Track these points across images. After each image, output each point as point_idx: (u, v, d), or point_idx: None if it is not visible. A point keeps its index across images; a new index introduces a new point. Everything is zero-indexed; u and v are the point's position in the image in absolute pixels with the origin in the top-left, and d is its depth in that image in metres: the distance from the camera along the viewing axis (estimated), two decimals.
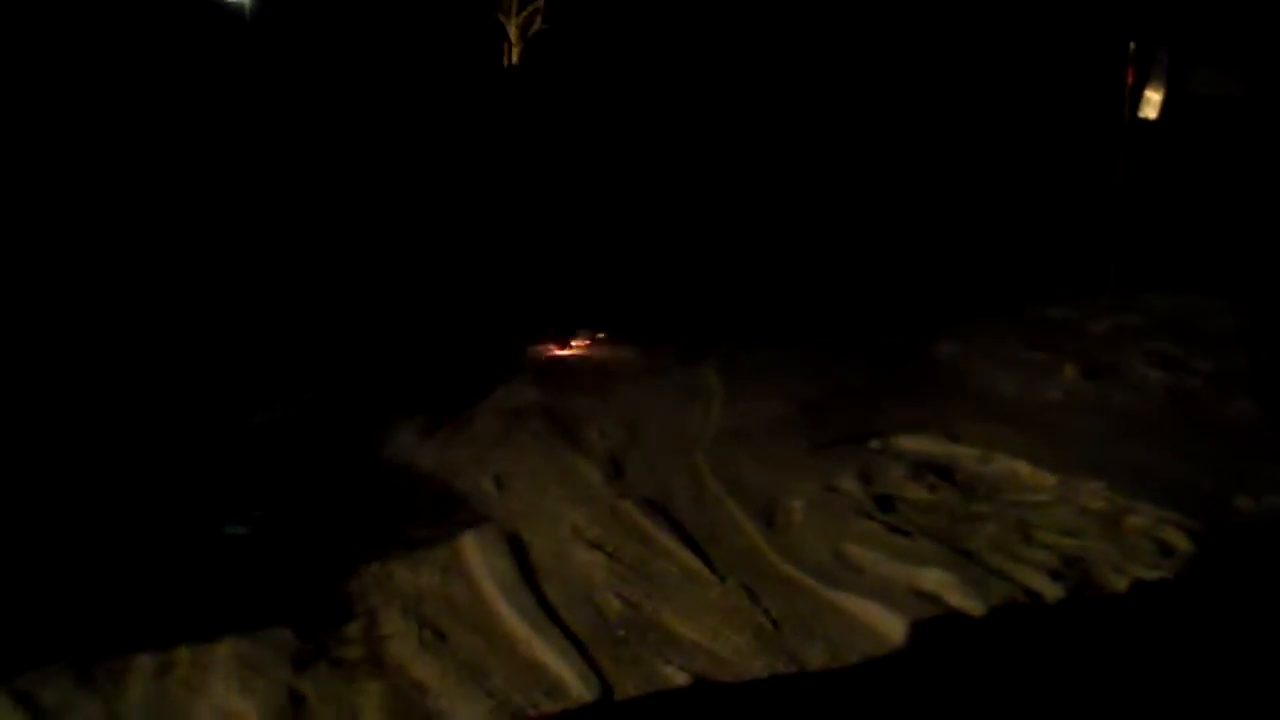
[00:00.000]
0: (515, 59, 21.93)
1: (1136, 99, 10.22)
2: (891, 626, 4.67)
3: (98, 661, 4.41)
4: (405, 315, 10.53)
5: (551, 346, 9.96)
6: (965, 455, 6.68)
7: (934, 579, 5.01)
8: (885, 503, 6.00)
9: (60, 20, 11.58)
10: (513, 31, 21.94)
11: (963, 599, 4.85)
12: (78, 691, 4.25)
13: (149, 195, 11.10)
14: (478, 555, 5.37)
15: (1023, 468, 6.42)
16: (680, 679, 4.32)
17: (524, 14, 21.92)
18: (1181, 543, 5.45)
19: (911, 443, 6.88)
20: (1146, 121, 10.22)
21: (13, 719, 4.09)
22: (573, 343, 10.06)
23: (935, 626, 4.66)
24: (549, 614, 4.82)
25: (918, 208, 14.14)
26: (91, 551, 5.51)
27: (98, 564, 5.36)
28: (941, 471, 6.43)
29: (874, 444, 6.92)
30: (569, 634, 4.64)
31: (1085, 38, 14.35)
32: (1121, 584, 5.04)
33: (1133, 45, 10.27)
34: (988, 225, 13.67)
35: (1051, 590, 4.97)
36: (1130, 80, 10.27)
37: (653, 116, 15.67)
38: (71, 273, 9.61)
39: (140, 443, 7.14)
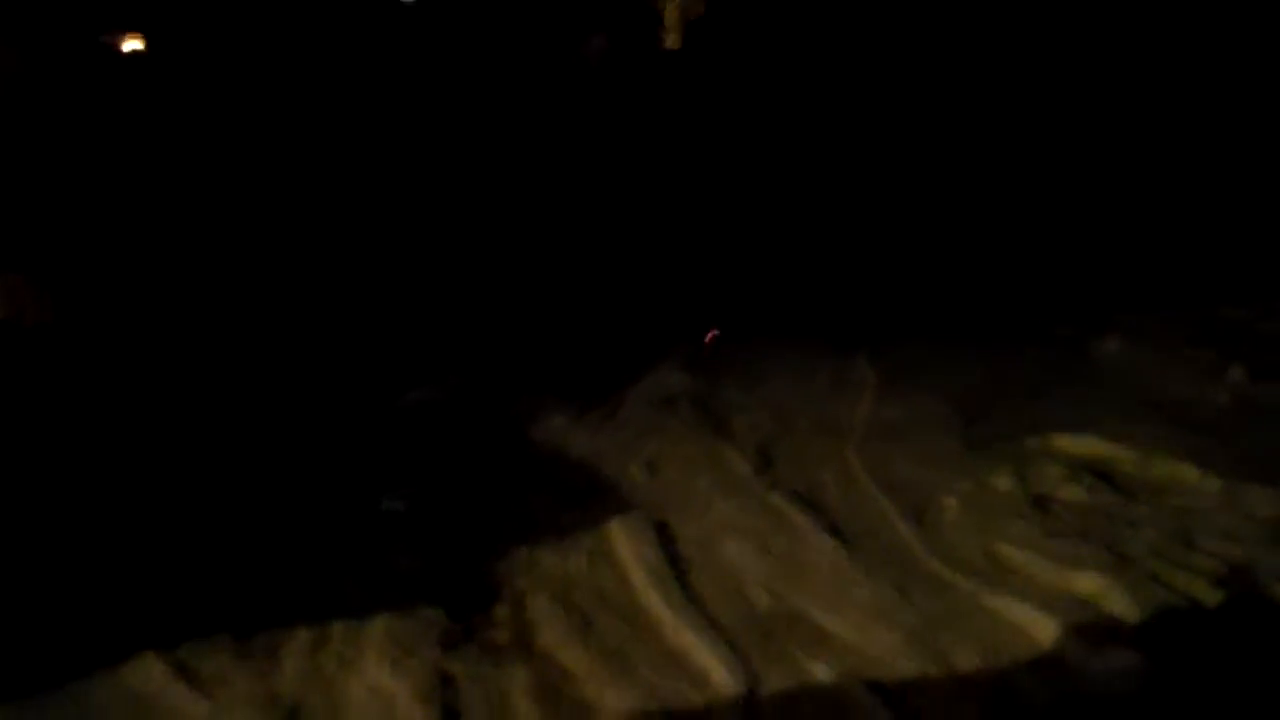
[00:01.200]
0: (674, 44, 21.94)
1: None
2: (1045, 630, 4.57)
3: (255, 635, 4.53)
4: (553, 301, 10.61)
5: (702, 335, 9.93)
6: (1126, 457, 6.48)
7: (1090, 583, 4.89)
8: (1041, 503, 5.86)
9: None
10: (670, 16, 21.95)
11: (1120, 604, 4.73)
12: (235, 663, 4.37)
13: (307, 185, 11.38)
14: (626, 543, 5.38)
15: (1187, 471, 6.21)
16: (827, 675, 4.29)
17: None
18: None
19: (1070, 442, 6.70)
20: None
21: (172, 689, 4.22)
22: (721, 332, 10.02)
23: (1090, 631, 4.55)
24: (696, 605, 4.82)
25: (1088, 195, 13.78)
26: (251, 526, 5.66)
27: (257, 538, 5.51)
28: (1101, 473, 6.25)
29: (1031, 442, 6.75)
30: (716, 625, 4.63)
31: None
32: None
33: None
34: (1160, 216, 13.29)
35: (1214, 598, 4.82)
36: None
37: (806, 102, 15.57)
38: (244, 265, 9.90)
39: (299, 422, 7.32)
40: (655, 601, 4.84)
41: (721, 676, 4.26)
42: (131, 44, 13.39)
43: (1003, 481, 6.10)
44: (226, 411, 7.39)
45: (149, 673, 4.28)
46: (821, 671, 4.30)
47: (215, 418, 7.25)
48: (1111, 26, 15.83)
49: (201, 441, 6.80)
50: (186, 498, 5.95)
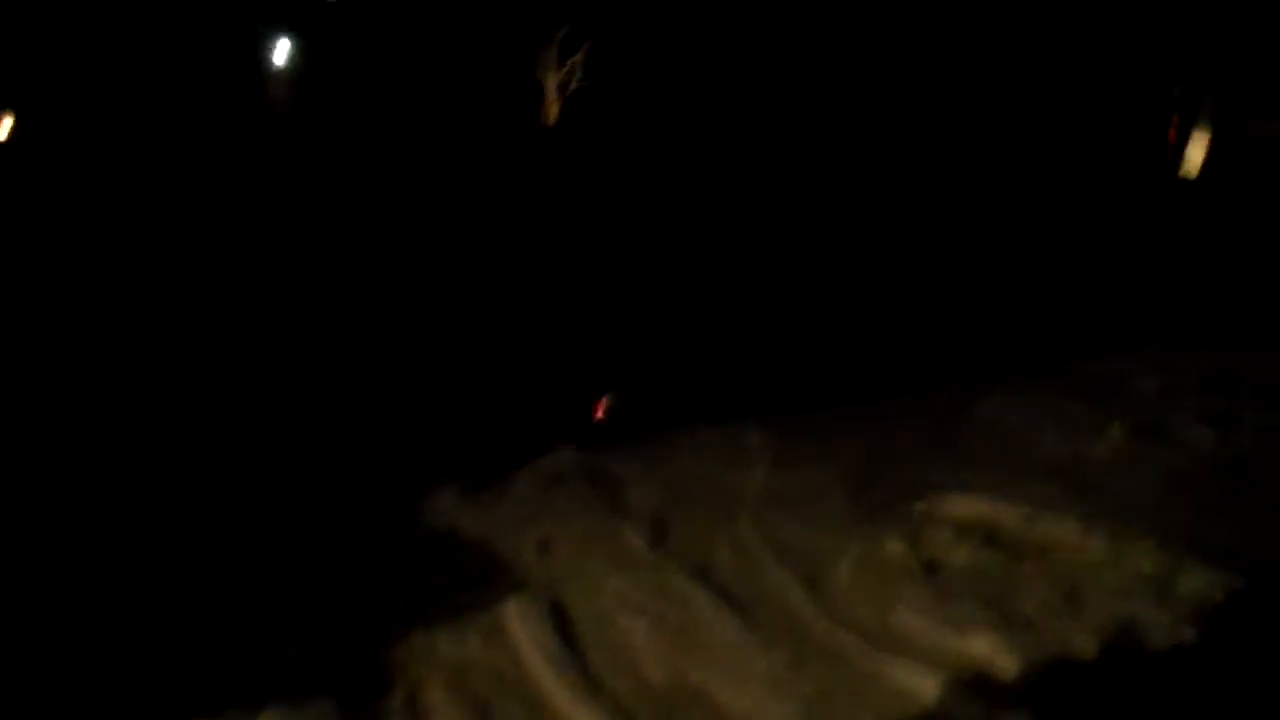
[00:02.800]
0: (553, 117, 22.09)
1: (1181, 153, 10.18)
2: (939, 694, 4.60)
3: None
4: (436, 376, 10.56)
5: (589, 407, 9.93)
6: (1012, 516, 6.55)
7: (984, 644, 4.93)
8: (932, 567, 5.92)
9: None
10: (551, 89, 22.11)
11: (1012, 665, 4.77)
12: None
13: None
14: (521, 623, 5.35)
15: (1071, 529, 6.29)
16: None
17: (562, 71, 22.10)
18: (1237, 606, 5.34)
19: (957, 504, 6.77)
20: (1189, 179, 10.17)
21: None
22: (609, 403, 10.02)
23: (984, 693, 4.59)
24: (594, 684, 4.78)
25: (960, 260, 14.06)
26: (139, 616, 5.53)
27: (141, 636, 5.38)
28: (988, 533, 6.32)
29: (919, 506, 6.81)
30: (615, 705, 4.60)
31: (1131, 90, 14.33)
32: (1173, 650, 4.95)
33: (1177, 92, 10.24)
34: (1031, 278, 13.60)
35: (1104, 655, 4.89)
36: (1174, 135, 10.22)
37: (688, 171, 15.75)
38: None
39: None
40: (553, 683, 4.80)
41: None
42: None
43: (893, 546, 6.15)
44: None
45: None
46: None
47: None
48: (982, 100, 16.28)
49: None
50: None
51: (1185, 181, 10.15)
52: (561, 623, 5.38)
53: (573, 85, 21.88)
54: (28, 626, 5.43)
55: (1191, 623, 5.14)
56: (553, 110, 22.01)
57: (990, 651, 4.87)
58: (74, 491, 7.18)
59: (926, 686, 4.65)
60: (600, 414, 9.74)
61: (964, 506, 6.74)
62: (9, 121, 12.57)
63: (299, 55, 17.19)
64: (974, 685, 4.64)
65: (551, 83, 21.93)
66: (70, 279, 9.88)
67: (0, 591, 5.79)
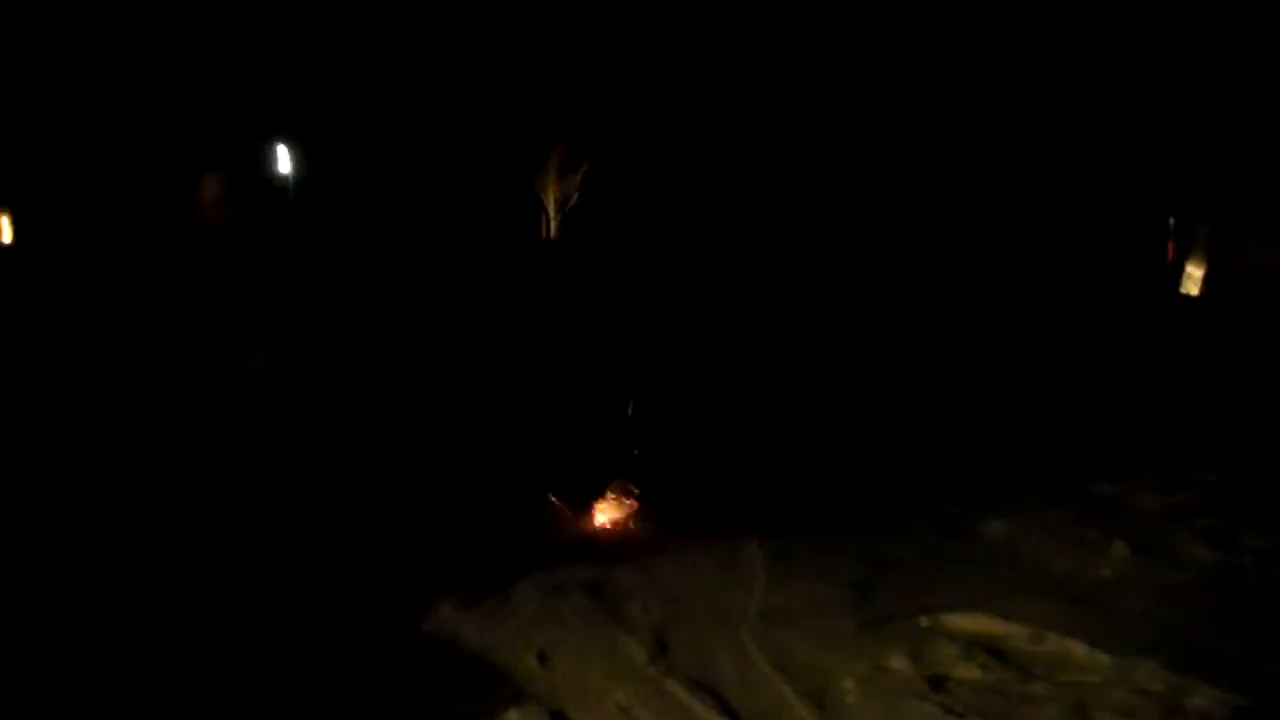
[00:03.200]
0: (553, 231, 22.38)
1: (1178, 274, 10.25)
2: None
3: None
4: (437, 484, 10.58)
5: (586, 519, 9.94)
6: (1017, 634, 6.54)
7: None
8: (937, 683, 5.87)
9: None
10: (550, 203, 22.42)
11: None
12: None
13: None
14: None
15: (1077, 648, 6.27)
16: None
17: (561, 186, 22.43)
18: None
19: (962, 621, 6.75)
20: (1189, 297, 10.22)
21: None
22: (607, 516, 10.03)
23: None
24: None
25: (962, 380, 14.16)
26: None
27: None
28: (994, 651, 6.29)
29: (924, 622, 6.79)
30: None
31: (1127, 212, 14.52)
32: None
33: (1173, 220, 10.34)
34: (1032, 399, 13.67)
35: None
36: (1171, 255, 10.31)
37: (687, 282, 15.95)
38: None
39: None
40: None
41: None
42: None
43: (898, 662, 6.11)
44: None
45: None
46: None
47: None
48: (978, 222, 16.50)
49: None
50: None
51: (1185, 299, 10.21)
52: None
53: (572, 201, 22.24)
54: None
55: None
56: (553, 224, 22.31)
57: None
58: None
59: None
60: (594, 524, 9.75)
61: (970, 623, 6.73)
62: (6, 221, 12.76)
63: (304, 164, 17.52)
64: None
65: (551, 198, 22.29)
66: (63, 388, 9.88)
67: None
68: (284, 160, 17.65)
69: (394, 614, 7.30)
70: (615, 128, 20.36)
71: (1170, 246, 10.39)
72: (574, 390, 12.39)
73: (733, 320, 14.80)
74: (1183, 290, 10.26)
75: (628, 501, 10.27)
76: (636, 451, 10.74)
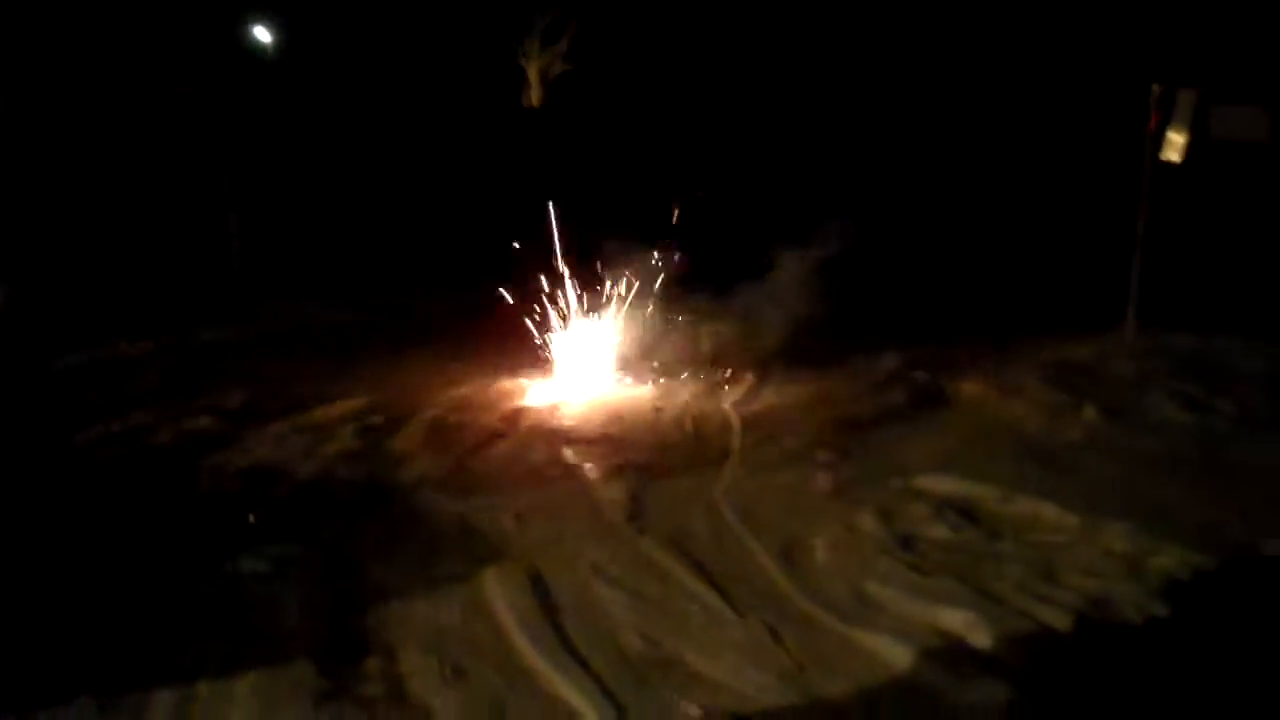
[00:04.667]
0: (535, 101, 22.20)
1: (1160, 141, 10.19)
2: (913, 664, 4.64)
3: (119, 696, 4.41)
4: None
5: (568, 383, 9.97)
6: (987, 495, 6.63)
7: (957, 618, 4.97)
8: (907, 542, 5.96)
9: None
10: (533, 75, 22.21)
11: (985, 638, 4.81)
12: None
13: None
14: (499, 592, 5.36)
15: (1046, 508, 6.37)
16: (700, 717, 4.30)
17: (544, 58, 22.22)
18: (1208, 586, 5.41)
19: (933, 482, 6.84)
20: (1170, 164, 10.17)
21: None
22: (582, 379, 10.07)
23: (957, 664, 4.63)
24: (570, 652, 4.80)
25: (937, 246, 14.16)
26: (110, 586, 5.51)
27: (117, 599, 5.37)
28: (964, 511, 6.38)
29: (895, 482, 6.88)
30: (590, 672, 4.62)
31: (1109, 79, 14.40)
32: (1145, 625, 5.00)
33: (1156, 87, 10.25)
34: (1009, 265, 13.69)
35: (1076, 630, 4.93)
36: (1154, 123, 10.24)
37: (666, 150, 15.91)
38: None
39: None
40: (529, 650, 4.81)
41: None
42: None
43: (868, 522, 6.20)
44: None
45: None
46: (695, 712, 4.31)
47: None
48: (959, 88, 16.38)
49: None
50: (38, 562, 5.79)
51: (1165, 166, 10.15)
52: (539, 592, 5.40)
53: (554, 71, 22.02)
54: None
55: (1163, 599, 5.20)
56: (535, 95, 22.12)
57: (964, 624, 4.92)
58: None
59: (900, 656, 4.69)
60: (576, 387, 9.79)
61: (940, 484, 6.82)
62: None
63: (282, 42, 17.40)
64: (947, 656, 4.68)
65: (533, 69, 22.06)
66: None
67: None
68: (263, 31, 17.51)
69: (372, 477, 7.35)
70: None
71: (1153, 113, 10.31)
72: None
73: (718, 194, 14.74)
74: (1163, 157, 10.21)
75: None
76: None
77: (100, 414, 8.58)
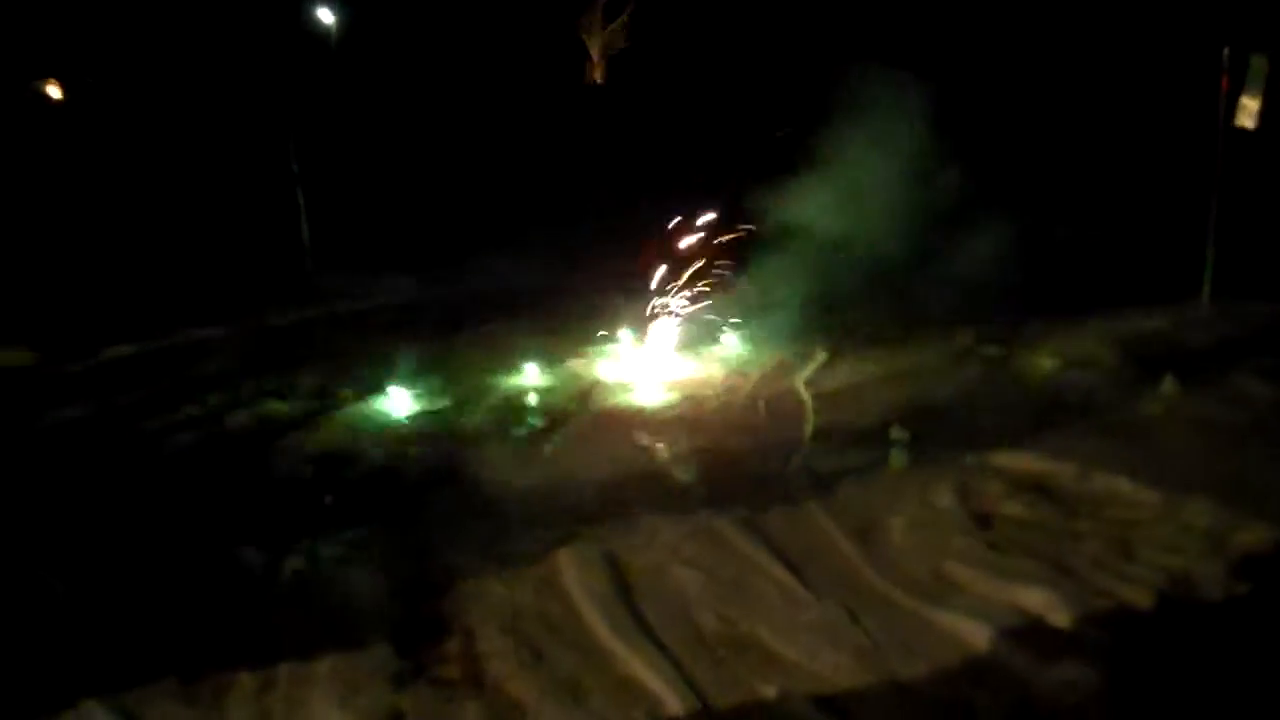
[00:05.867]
0: (598, 77, 22.16)
1: (1233, 106, 10.00)
2: (993, 644, 4.60)
3: (201, 678, 4.47)
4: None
5: (642, 362, 9.95)
6: (1064, 472, 6.55)
7: (1035, 597, 4.93)
8: (984, 520, 5.92)
9: None
10: (595, 51, 22.16)
11: (1065, 617, 4.77)
12: (181, 708, 4.31)
13: None
14: (574, 572, 5.37)
15: (1124, 484, 6.28)
16: (777, 697, 4.29)
17: (606, 32, 22.15)
18: None
19: (1009, 459, 6.77)
20: (1244, 130, 9.98)
21: None
22: (656, 357, 10.05)
23: (1037, 644, 4.58)
24: (646, 632, 4.80)
25: (1012, 216, 13.98)
26: (191, 572, 5.59)
27: (198, 583, 5.44)
28: (1041, 488, 6.32)
29: (970, 460, 6.82)
30: (666, 652, 4.62)
31: (1183, 44, 14.15)
32: (1226, 603, 4.93)
33: (1228, 51, 10.05)
34: (1082, 237, 13.51)
35: (1156, 608, 4.87)
36: (1226, 87, 10.04)
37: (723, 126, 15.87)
38: None
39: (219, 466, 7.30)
40: (605, 631, 4.82)
41: (674, 703, 4.25)
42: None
43: (945, 500, 6.15)
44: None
45: None
46: (771, 693, 4.30)
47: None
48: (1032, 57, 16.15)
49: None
50: (123, 545, 5.88)
51: (1239, 132, 9.96)
52: (615, 572, 5.40)
53: (618, 45, 21.97)
54: None
55: (1245, 576, 5.12)
56: (597, 71, 22.09)
57: (1042, 603, 4.87)
58: None
59: (978, 635, 4.66)
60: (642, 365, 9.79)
61: (1016, 461, 6.74)
62: None
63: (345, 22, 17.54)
64: (1026, 635, 4.63)
65: (595, 45, 22.03)
66: None
67: None
68: (326, 12, 17.62)
69: (453, 455, 7.41)
70: None
71: (1224, 79, 10.12)
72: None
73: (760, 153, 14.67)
74: (1237, 123, 10.01)
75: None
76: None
77: (173, 400, 8.68)
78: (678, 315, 10.36)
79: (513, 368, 9.50)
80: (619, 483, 6.81)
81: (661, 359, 9.96)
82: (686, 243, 10.58)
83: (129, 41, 15.81)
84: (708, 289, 10.59)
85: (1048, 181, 15.01)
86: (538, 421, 8.17)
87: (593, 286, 10.70)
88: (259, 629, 4.95)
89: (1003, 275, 11.36)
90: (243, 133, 15.63)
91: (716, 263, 10.67)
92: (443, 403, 8.59)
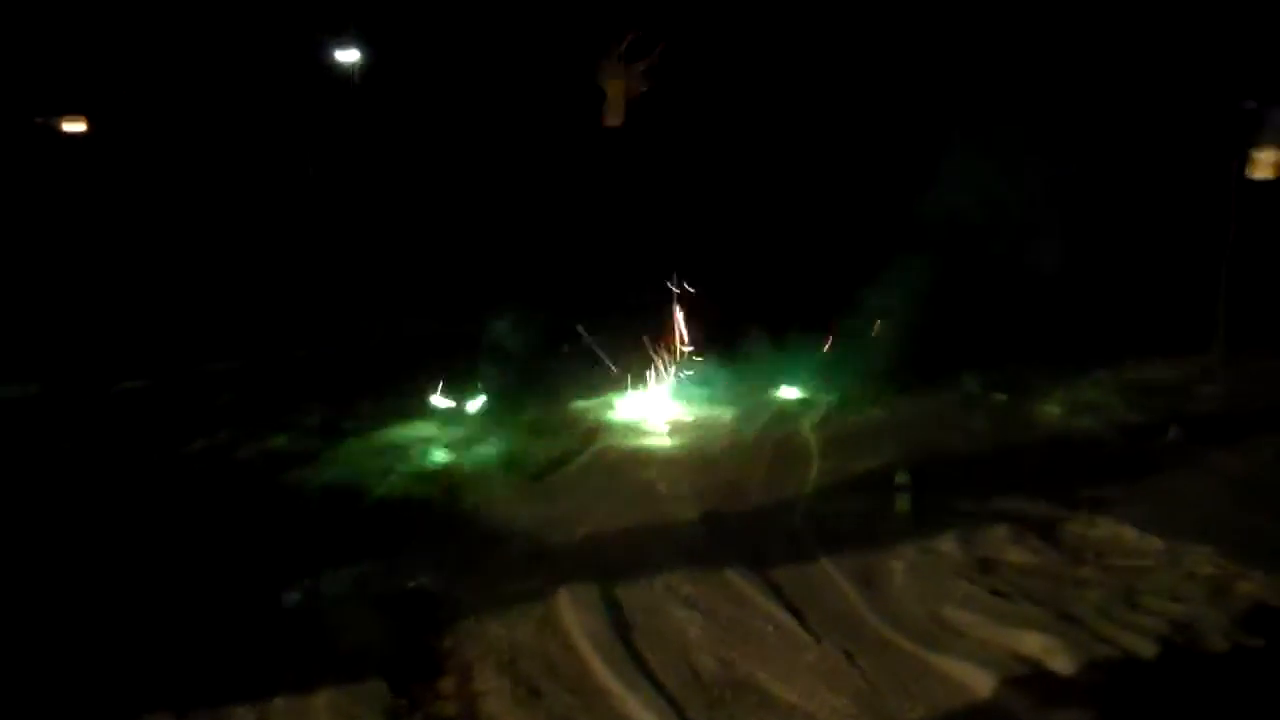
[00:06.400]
0: (617, 121, 22.21)
1: (1247, 159, 10.04)
2: (992, 689, 4.57)
3: (196, 711, 4.45)
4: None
5: (638, 403, 9.97)
6: (1069, 518, 6.55)
7: (1036, 643, 4.90)
8: (986, 565, 5.89)
9: None
10: (613, 94, 22.22)
11: (1065, 663, 4.74)
12: None
13: None
14: (572, 611, 5.35)
15: (1128, 532, 6.27)
16: None
17: (626, 77, 22.22)
18: None
19: (1013, 504, 6.76)
20: (1256, 181, 10.01)
21: None
22: (664, 401, 10.06)
23: (1037, 689, 4.56)
24: (644, 672, 4.78)
25: (1020, 266, 13.98)
26: (191, 603, 5.59)
27: (197, 614, 5.44)
28: (1044, 534, 6.30)
29: (974, 505, 6.80)
30: (664, 693, 4.59)
31: (1197, 98, 14.18)
32: (1230, 652, 4.90)
33: (1245, 104, 10.09)
34: (1092, 283, 13.50)
35: (1158, 655, 4.84)
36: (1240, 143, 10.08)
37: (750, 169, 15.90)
38: None
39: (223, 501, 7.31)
40: (602, 670, 4.79)
41: None
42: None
43: (947, 544, 6.13)
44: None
45: None
46: None
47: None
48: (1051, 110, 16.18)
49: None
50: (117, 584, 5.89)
51: (1254, 183, 10.01)
52: (613, 611, 5.38)
53: (639, 90, 22.04)
54: None
55: (1248, 626, 5.09)
56: (614, 115, 22.17)
57: (1044, 649, 4.84)
58: None
59: (979, 681, 4.62)
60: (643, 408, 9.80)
61: (1020, 506, 6.72)
62: None
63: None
64: (1027, 681, 4.60)
65: (614, 90, 22.10)
66: None
67: None
68: (348, 51, 17.76)
69: (450, 493, 7.41)
70: (682, 16, 20.10)
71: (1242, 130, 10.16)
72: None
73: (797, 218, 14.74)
74: (1250, 175, 10.05)
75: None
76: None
77: (187, 432, 8.71)
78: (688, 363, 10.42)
79: (523, 407, 9.57)
80: (619, 521, 6.81)
81: (669, 401, 9.98)
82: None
83: (150, 77, 15.92)
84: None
85: (1060, 231, 15.03)
86: (542, 459, 8.18)
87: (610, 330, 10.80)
88: (257, 662, 4.93)
89: (1009, 323, 11.38)
90: (265, 170, 15.72)
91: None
92: (450, 437, 8.63)
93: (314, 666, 4.85)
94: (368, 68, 18.46)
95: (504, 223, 16.18)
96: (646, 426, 9.19)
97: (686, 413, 9.75)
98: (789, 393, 10.24)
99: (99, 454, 8.19)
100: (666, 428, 9.17)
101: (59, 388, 9.90)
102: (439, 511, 7.11)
